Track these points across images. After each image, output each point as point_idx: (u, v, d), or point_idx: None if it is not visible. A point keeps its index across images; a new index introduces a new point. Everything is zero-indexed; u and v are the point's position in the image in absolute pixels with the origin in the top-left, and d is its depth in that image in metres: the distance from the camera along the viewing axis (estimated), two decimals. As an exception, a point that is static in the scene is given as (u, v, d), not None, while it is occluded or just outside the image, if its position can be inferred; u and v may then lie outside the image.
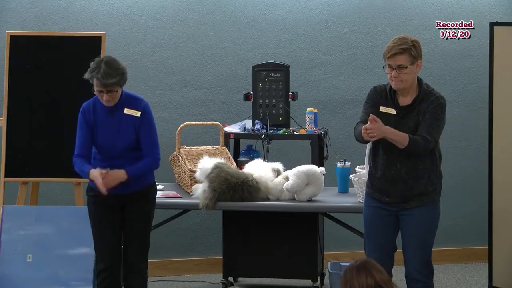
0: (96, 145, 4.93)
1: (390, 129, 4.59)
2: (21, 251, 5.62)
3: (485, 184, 6.15)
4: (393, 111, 4.68)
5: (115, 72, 4.75)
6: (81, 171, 4.90)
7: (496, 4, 7.08)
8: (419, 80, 4.73)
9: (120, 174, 4.82)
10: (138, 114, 4.88)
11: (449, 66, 7.11)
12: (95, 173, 4.78)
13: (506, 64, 5.97)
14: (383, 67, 4.68)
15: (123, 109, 4.88)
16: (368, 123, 4.54)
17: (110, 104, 4.84)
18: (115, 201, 4.91)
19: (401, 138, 4.58)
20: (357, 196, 5.58)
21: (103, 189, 4.76)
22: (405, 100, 4.71)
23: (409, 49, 4.60)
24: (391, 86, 4.71)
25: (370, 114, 4.56)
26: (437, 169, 4.76)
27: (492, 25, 6.02)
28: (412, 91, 4.70)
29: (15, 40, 5.93)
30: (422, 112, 4.66)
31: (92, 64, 4.79)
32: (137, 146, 4.92)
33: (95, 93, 4.83)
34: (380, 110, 4.69)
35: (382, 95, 4.75)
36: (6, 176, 5.86)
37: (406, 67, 4.60)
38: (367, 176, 4.92)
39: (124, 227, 5.00)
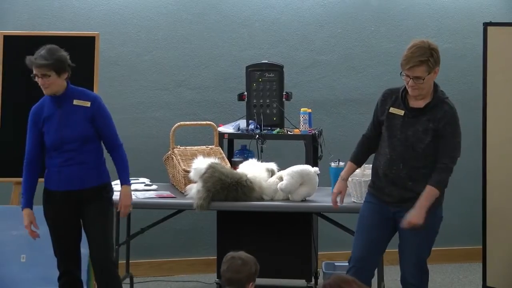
0: (47, 140, 4.87)
1: (420, 203, 4.56)
2: (15, 252, 5.61)
3: (479, 183, 6.16)
4: (401, 112, 4.65)
5: (50, 57, 4.78)
6: (22, 189, 4.97)
7: (490, 4, 7.09)
8: (435, 86, 4.67)
9: (125, 191, 4.95)
10: (88, 104, 4.88)
11: (442, 66, 7.06)
12: (26, 220, 4.90)
13: (499, 64, 5.98)
14: (400, 74, 4.59)
15: (72, 102, 4.89)
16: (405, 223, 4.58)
17: (48, 92, 4.84)
18: (71, 201, 4.90)
19: (433, 196, 4.57)
20: (351, 196, 5.58)
21: (31, 233, 4.92)
22: (416, 103, 4.66)
23: (427, 61, 4.53)
24: (404, 88, 4.65)
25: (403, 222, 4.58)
26: None
27: (486, 25, 6.03)
28: (427, 97, 4.65)
29: (9, 40, 5.92)
30: (435, 121, 4.59)
31: None
32: (91, 138, 4.90)
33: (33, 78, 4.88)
34: (390, 111, 4.66)
35: (392, 98, 4.70)
36: (-1, 176, 5.86)
37: (424, 78, 4.53)
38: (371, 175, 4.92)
39: (85, 231, 4.99)
